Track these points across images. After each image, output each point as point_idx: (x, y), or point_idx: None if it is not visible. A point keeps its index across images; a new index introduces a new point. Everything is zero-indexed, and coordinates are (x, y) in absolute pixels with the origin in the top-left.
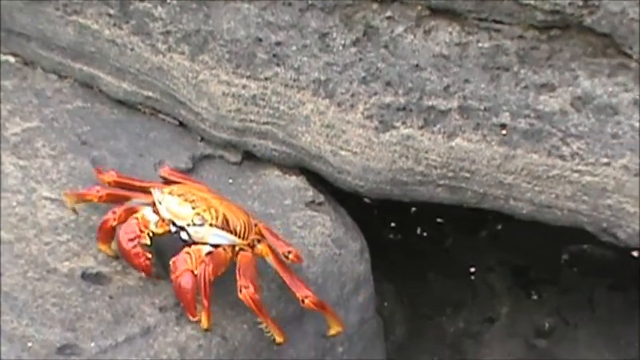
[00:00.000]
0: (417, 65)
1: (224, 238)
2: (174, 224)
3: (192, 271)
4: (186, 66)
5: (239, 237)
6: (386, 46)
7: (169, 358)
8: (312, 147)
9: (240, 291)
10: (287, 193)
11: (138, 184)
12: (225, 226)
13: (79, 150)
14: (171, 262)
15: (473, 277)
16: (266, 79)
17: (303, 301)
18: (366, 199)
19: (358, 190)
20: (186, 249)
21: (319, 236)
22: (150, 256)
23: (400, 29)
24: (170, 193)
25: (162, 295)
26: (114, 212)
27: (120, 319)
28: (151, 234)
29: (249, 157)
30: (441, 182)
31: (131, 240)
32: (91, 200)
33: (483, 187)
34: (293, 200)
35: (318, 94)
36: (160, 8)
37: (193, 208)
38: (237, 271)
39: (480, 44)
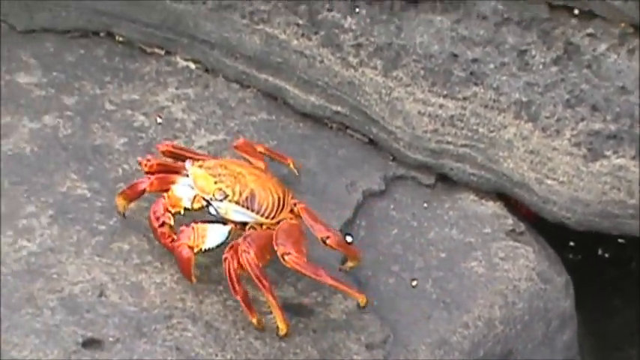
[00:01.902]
0: (622, 87)
1: (246, 215)
2: (203, 198)
3: (191, 247)
4: (378, 82)
5: (263, 216)
6: (589, 66)
7: None
8: (515, 173)
9: (241, 255)
10: (485, 220)
11: (190, 155)
12: (249, 203)
13: (268, 166)
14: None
15: None
16: (464, 98)
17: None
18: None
19: (565, 222)
20: (193, 224)
21: (524, 270)
22: (174, 236)
23: (602, 47)
24: (200, 166)
25: (367, 330)
26: (149, 178)
27: (326, 356)
28: (181, 212)
29: (443, 179)
30: None
31: (157, 219)
32: (141, 171)
33: None
34: (493, 228)
35: (520, 117)
36: (349, 19)
37: (216, 183)
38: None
39: None
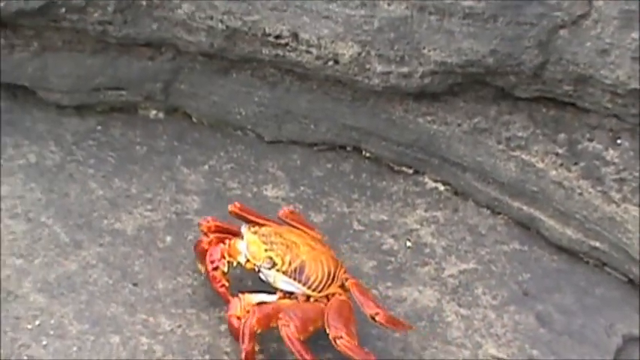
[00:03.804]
0: None
1: (293, 286)
2: (254, 264)
3: (239, 318)
4: None
5: (310, 288)
6: None
7: None
8: None
9: (281, 328)
10: None
11: (253, 218)
12: (297, 274)
13: (522, 302)
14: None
15: None
16: None
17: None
18: None
19: None
20: (240, 294)
21: None
22: (227, 283)
23: None
24: (255, 232)
25: None
26: (208, 236)
27: None
28: (234, 263)
29: None
30: None
31: (212, 262)
32: (202, 230)
33: None
34: None
35: None
36: (611, 151)
37: (266, 250)
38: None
39: None
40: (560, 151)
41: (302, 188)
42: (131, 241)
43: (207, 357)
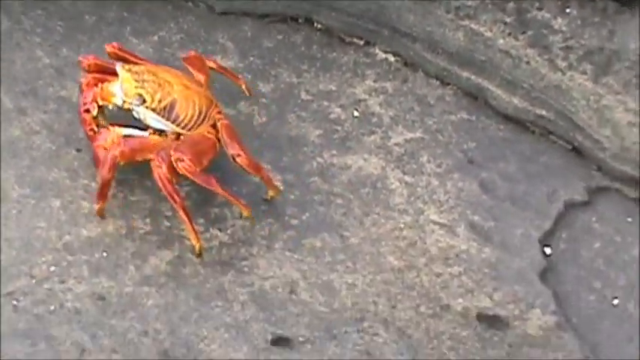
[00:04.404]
0: None
1: (162, 123)
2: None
3: (106, 148)
4: (587, 87)
5: (179, 126)
6: None
7: None
8: None
9: (176, 164)
10: None
11: (131, 59)
12: (166, 112)
13: (466, 169)
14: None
15: None
16: None
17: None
18: None
19: None
20: (110, 127)
21: None
22: (95, 128)
23: None
24: (128, 70)
25: (566, 349)
26: (86, 77)
27: None
28: (110, 106)
29: None
30: None
31: (84, 104)
32: (83, 68)
33: None
34: None
35: None
36: (559, 20)
37: (137, 87)
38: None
39: None
40: (508, 20)
41: (251, 59)
42: (76, 108)
43: (147, 220)
